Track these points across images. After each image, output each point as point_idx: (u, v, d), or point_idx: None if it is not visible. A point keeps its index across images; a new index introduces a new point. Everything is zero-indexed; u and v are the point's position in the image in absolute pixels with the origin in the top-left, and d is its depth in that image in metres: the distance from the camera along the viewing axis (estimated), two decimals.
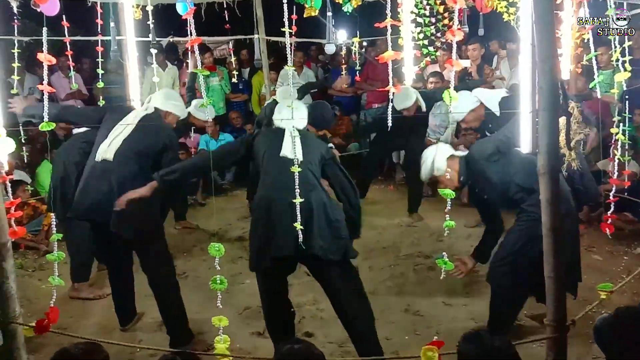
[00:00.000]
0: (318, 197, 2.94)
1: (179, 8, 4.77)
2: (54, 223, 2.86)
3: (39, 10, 2.49)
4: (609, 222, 3.37)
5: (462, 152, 3.46)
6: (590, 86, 3.42)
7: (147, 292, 3.53)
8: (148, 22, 4.37)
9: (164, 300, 3.45)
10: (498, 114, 3.98)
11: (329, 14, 4.51)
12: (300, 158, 2.92)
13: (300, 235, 2.79)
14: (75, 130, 4.32)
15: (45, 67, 2.47)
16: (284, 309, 3.19)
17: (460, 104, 4.04)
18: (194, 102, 4.77)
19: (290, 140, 3.00)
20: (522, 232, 3.19)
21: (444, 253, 2.67)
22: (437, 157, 3.37)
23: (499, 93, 4.23)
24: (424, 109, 5.43)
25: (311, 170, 3.00)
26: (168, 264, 3.54)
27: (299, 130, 3.11)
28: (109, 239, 3.49)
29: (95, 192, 3.36)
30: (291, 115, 2.98)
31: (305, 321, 3.72)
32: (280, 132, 3.11)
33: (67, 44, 4.48)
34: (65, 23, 4.47)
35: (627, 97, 3.64)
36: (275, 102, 4.58)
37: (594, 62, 3.42)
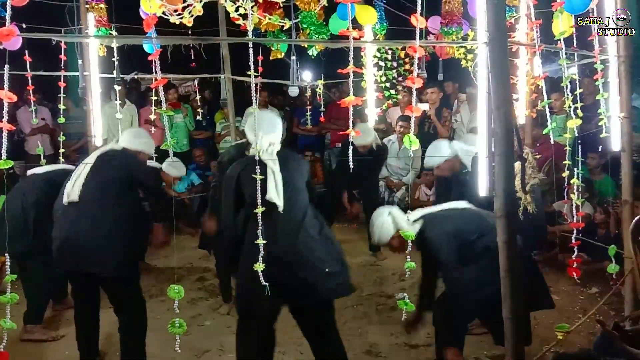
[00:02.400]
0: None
1: (146, 48, 4.81)
2: (8, 263, 2.75)
3: (0, 47, 2.46)
4: (574, 265, 3.47)
5: (415, 226, 3.29)
6: (544, 132, 3.56)
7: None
8: (113, 59, 4.37)
9: (128, 345, 3.34)
10: (470, 169, 4.12)
11: (294, 57, 4.60)
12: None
13: None
14: (31, 171, 4.20)
15: (6, 105, 2.43)
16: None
17: (436, 152, 4.36)
18: (167, 160, 4.65)
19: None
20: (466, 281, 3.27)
21: (405, 294, 2.69)
22: (386, 227, 3.30)
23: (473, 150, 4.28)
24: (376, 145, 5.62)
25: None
26: (140, 307, 3.43)
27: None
28: (83, 279, 3.41)
29: (73, 239, 3.27)
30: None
31: None
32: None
33: (29, 78, 4.45)
34: (27, 58, 4.44)
35: (579, 141, 3.80)
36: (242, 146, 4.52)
37: (547, 109, 3.57)
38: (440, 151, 4.36)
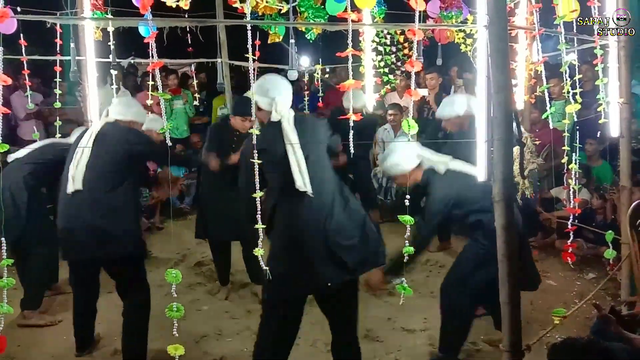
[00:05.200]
0: None
1: (142, 31, 4.77)
2: (4, 248, 2.74)
3: None
4: (570, 251, 3.48)
5: (430, 157, 3.34)
6: (543, 117, 3.55)
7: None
8: (109, 43, 4.33)
9: (131, 328, 3.32)
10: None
11: (292, 40, 4.56)
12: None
13: None
14: (12, 156, 4.06)
15: (0, 88, 2.41)
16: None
17: (450, 105, 4.18)
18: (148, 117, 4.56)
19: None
20: (469, 258, 3.30)
21: (403, 279, 2.69)
22: (405, 156, 3.29)
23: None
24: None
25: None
26: (145, 291, 3.40)
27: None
28: (89, 268, 3.43)
29: (80, 228, 3.21)
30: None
31: None
32: None
33: (25, 62, 4.40)
34: (22, 42, 4.39)
35: (577, 127, 3.79)
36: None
37: (547, 94, 3.56)
38: (454, 105, 4.17)
